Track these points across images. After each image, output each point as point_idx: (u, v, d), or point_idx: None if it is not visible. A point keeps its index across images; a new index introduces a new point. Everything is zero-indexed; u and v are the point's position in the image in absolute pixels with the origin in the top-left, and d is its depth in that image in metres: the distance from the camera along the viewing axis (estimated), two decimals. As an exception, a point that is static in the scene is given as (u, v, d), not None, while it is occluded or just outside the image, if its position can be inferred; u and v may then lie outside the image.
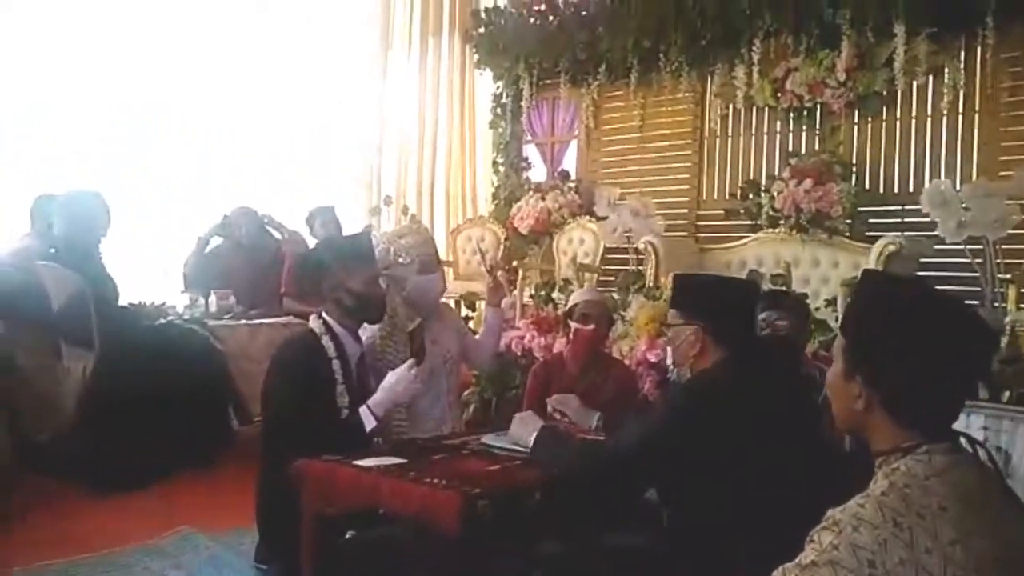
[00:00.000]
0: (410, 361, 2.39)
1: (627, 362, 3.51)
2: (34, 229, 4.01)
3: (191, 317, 4.05)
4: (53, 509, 3.14)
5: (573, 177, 6.39)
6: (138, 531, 2.93)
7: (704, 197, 5.77)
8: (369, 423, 2.29)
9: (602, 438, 2.39)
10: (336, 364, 2.38)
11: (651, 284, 4.39)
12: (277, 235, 4.87)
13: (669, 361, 2.06)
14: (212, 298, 4.27)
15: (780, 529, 1.27)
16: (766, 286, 3.63)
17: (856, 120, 5.10)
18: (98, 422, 3.51)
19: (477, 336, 3.10)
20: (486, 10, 6.79)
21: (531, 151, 6.85)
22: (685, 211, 5.78)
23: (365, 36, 6.48)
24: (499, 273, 3.18)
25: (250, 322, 4.26)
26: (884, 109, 4.98)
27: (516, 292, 4.93)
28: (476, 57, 6.80)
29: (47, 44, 5.03)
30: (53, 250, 3.79)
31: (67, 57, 5.15)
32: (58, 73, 5.13)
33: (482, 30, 6.68)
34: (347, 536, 2.02)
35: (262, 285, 4.60)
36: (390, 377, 2.35)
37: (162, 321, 3.92)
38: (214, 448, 3.70)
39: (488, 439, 2.30)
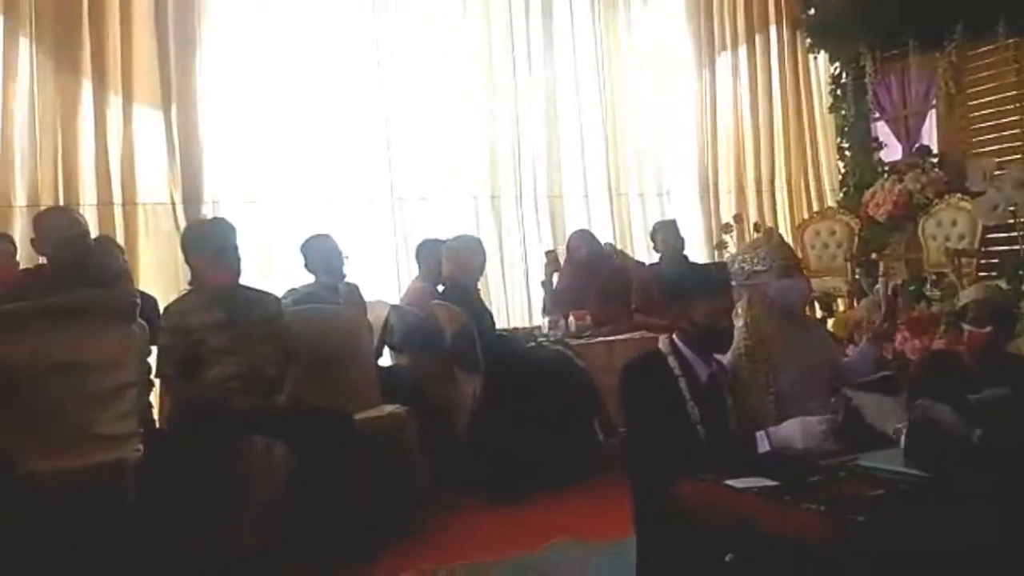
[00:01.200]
0: (829, 417, 2.31)
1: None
2: (422, 271, 4.71)
3: (555, 338, 4.42)
4: (451, 519, 3.57)
5: (935, 152, 5.74)
6: (520, 541, 3.19)
7: (1115, 155, 4.81)
8: (763, 447, 2.31)
9: None
10: (682, 382, 2.43)
11: (1050, 268, 3.78)
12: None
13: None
14: (571, 319, 4.61)
15: None
16: None
17: None
18: (487, 437, 3.99)
19: (847, 358, 2.93)
20: (815, -10, 6.42)
21: (881, 130, 6.29)
22: (1088, 174, 4.86)
23: (687, 46, 6.48)
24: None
25: (606, 338, 4.52)
26: None
27: (879, 288, 4.57)
28: (808, 42, 6.45)
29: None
30: (441, 288, 4.41)
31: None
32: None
33: (812, 12, 6.33)
34: (727, 558, 2.07)
35: (610, 302, 4.86)
36: (796, 422, 2.32)
37: (532, 344, 4.33)
38: (585, 461, 3.98)
39: (866, 460, 2.19)
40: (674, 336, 2.52)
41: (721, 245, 5.67)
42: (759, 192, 6.62)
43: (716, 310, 2.47)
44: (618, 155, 6.20)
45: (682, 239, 5.00)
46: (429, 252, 4.64)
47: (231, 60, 5.05)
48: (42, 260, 3.50)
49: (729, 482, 2.13)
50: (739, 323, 2.61)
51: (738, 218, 6.10)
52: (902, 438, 2.03)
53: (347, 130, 5.39)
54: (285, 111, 5.20)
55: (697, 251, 5.89)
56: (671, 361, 2.46)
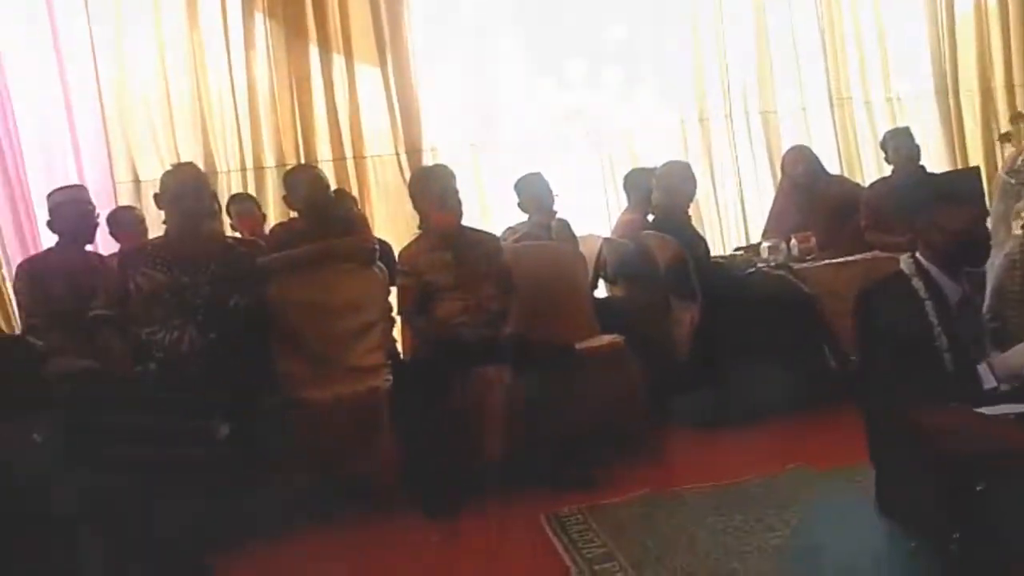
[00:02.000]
0: None
1: None
2: (631, 201, 4.68)
3: (776, 263, 4.24)
4: (674, 446, 3.62)
5: None
6: (749, 468, 3.13)
7: None
8: (988, 382, 2.13)
9: None
10: (929, 306, 2.25)
11: None
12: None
13: None
14: (792, 242, 4.39)
15: None
16: None
17: None
18: (706, 365, 3.96)
19: None
20: None
21: None
22: None
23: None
24: None
25: (832, 261, 4.26)
26: None
27: None
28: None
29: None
30: (651, 217, 4.38)
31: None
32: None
33: None
34: (979, 488, 1.94)
35: (835, 222, 4.55)
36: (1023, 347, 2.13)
37: (751, 270, 4.20)
38: (815, 388, 3.83)
39: None
40: (917, 255, 2.34)
41: (1004, 138, 5.06)
42: (1010, 88, 5.82)
43: (969, 217, 2.26)
44: (838, 59, 5.71)
45: (918, 147, 4.53)
46: (637, 182, 4.60)
47: (439, 14, 5.26)
48: (293, 214, 3.92)
49: (980, 409, 1.99)
50: (1016, 228, 2.37)
51: (1020, 115, 5.40)
52: None
53: (550, 68, 5.44)
54: (490, 58, 5.34)
55: (935, 162, 5.34)
56: (915, 283, 2.28)
